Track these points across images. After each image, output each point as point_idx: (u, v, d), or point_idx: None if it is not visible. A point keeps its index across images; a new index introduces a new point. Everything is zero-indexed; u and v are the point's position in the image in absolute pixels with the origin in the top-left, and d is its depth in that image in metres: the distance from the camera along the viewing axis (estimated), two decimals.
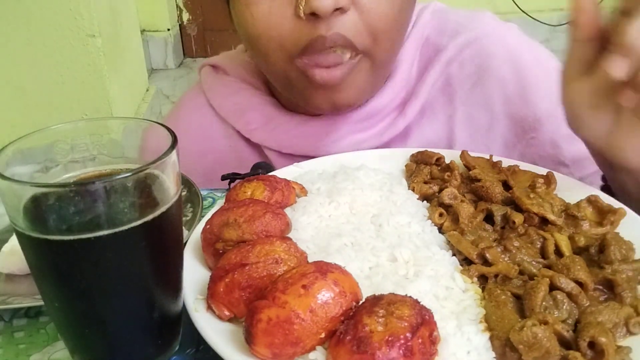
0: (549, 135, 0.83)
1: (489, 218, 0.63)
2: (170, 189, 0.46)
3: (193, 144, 0.94)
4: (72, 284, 0.44)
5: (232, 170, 0.83)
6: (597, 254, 0.57)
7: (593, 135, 0.63)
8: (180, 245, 0.51)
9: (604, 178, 0.71)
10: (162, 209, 0.45)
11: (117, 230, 0.43)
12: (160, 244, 0.47)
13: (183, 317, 0.53)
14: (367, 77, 0.76)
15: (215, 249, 0.56)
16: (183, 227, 0.68)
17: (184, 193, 0.77)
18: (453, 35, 0.87)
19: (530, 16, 3.00)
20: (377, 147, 0.87)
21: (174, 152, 0.46)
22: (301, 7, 0.69)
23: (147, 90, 3.23)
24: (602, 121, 0.61)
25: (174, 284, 0.50)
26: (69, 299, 0.45)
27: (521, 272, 0.55)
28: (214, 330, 0.50)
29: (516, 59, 0.86)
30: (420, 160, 0.75)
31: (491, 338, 0.48)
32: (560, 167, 0.83)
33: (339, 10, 0.70)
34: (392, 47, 0.77)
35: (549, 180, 0.67)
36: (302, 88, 0.77)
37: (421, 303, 0.46)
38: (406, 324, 0.43)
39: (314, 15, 0.69)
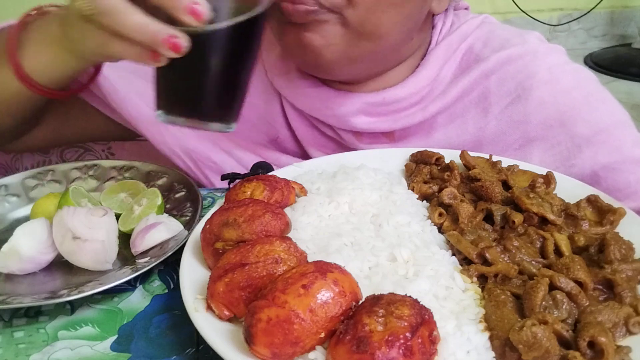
0: (588, 163, 0.81)
1: (488, 218, 0.63)
2: None
3: None
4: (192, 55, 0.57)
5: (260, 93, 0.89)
6: (596, 253, 0.57)
7: None
8: (259, 43, 0.65)
9: None
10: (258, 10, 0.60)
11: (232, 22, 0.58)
12: (252, 36, 0.62)
13: (183, 317, 0.53)
14: (339, 37, 0.75)
15: (215, 249, 0.56)
16: (180, 223, 0.68)
17: (183, 193, 0.77)
18: (497, 49, 0.86)
19: (530, 16, 3.00)
20: (392, 131, 0.87)
21: None
22: None
23: None
24: None
25: (252, 68, 0.65)
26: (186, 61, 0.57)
27: (521, 272, 0.55)
28: (214, 330, 0.50)
29: (557, 81, 0.84)
30: (419, 160, 0.75)
31: (491, 338, 0.49)
32: None
33: None
34: (372, 17, 0.75)
35: (548, 180, 0.67)
36: (277, 27, 0.78)
37: (421, 303, 0.46)
38: (406, 323, 0.43)
39: None
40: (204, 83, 0.61)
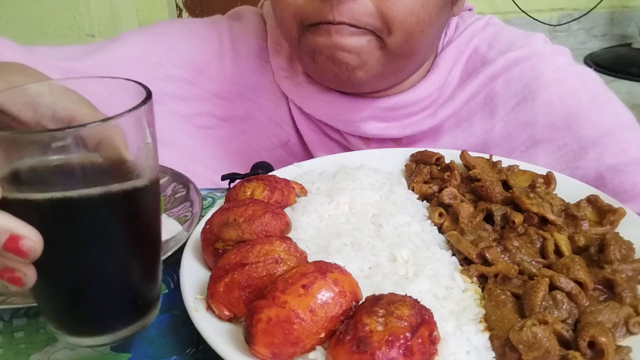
0: (594, 165, 0.81)
1: (488, 218, 0.63)
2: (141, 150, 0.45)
3: (246, 45, 0.93)
4: (48, 245, 0.41)
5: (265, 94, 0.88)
6: (596, 253, 0.57)
7: None
8: (157, 213, 0.50)
9: None
10: (139, 182, 0.45)
11: (91, 193, 0.42)
12: (137, 211, 0.46)
13: (183, 317, 0.53)
14: (375, 59, 0.75)
15: (215, 249, 0.56)
16: (179, 223, 0.68)
17: (183, 193, 0.77)
18: (503, 51, 0.86)
19: (530, 16, 3.00)
20: (401, 137, 0.87)
21: (147, 108, 0.44)
22: None
23: None
24: None
25: (151, 248, 0.49)
26: (44, 262, 0.42)
27: (521, 272, 0.55)
28: (214, 330, 0.50)
29: (564, 83, 0.84)
30: (420, 160, 0.75)
31: (491, 338, 0.48)
32: None
33: None
34: (411, 40, 0.75)
35: (548, 180, 0.67)
36: (307, 39, 0.76)
37: (421, 303, 0.46)
38: (406, 323, 0.43)
39: None
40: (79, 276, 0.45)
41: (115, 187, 0.43)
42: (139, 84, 0.46)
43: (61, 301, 0.47)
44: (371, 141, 0.88)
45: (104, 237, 0.45)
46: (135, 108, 0.43)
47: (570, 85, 0.84)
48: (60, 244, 0.43)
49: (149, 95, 0.45)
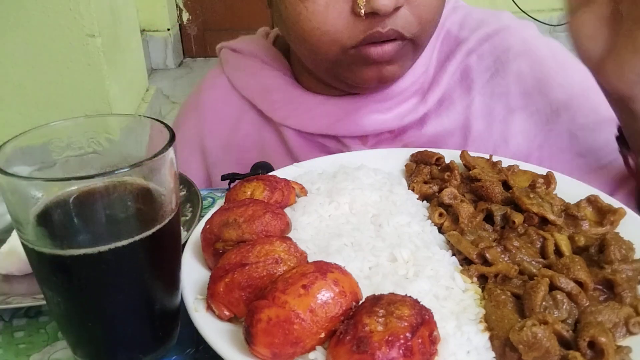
0: (566, 126, 0.85)
1: (488, 218, 0.63)
2: (170, 191, 0.48)
3: (217, 123, 0.97)
4: (76, 290, 0.45)
5: (253, 153, 0.91)
6: (597, 253, 0.57)
7: (593, 62, 0.67)
8: (179, 246, 0.53)
9: (619, 128, 0.74)
10: (166, 219, 0.47)
11: (123, 243, 0.44)
12: (163, 249, 0.49)
13: (183, 317, 0.53)
14: (409, 56, 0.80)
15: (215, 249, 0.56)
16: (182, 228, 0.68)
17: (183, 193, 0.77)
18: (474, 28, 0.91)
19: (530, 16, 3.01)
20: (397, 129, 0.90)
21: (172, 149, 0.47)
22: (362, 7, 0.71)
23: (147, 90, 3.23)
24: (601, 45, 0.65)
25: (173, 282, 0.53)
26: (71, 302, 0.46)
27: (521, 272, 0.55)
28: (214, 330, 0.50)
29: (532, 52, 0.89)
30: (420, 160, 0.75)
31: (491, 338, 0.49)
32: (578, 158, 0.85)
33: (396, 8, 0.73)
34: (433, 31, 0.82)
35: (548, 180, 0.67)
36: (353, 67, 0.79)
37: (421, 303, 0.46)
38: (406, 323, 0.43)
39: (373, 14, 0.72)
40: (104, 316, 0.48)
41: (155, 229, 0.47)
42: (158, 121, 0.50)
43: (90, 335, 0.50)
44: (369, 137, 0.89)
45: (141, 272, 0.48)
46: (169, 144, 0.46)
47: (539, 54, 0.89)
48: (97, 287, 0.46)
49: (172, 132, 0.48)
